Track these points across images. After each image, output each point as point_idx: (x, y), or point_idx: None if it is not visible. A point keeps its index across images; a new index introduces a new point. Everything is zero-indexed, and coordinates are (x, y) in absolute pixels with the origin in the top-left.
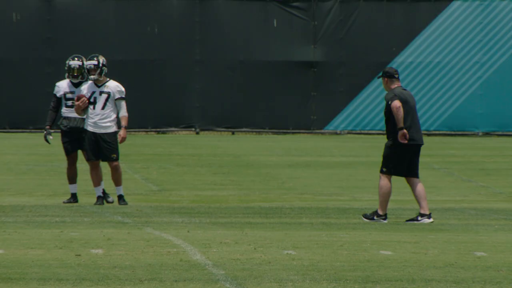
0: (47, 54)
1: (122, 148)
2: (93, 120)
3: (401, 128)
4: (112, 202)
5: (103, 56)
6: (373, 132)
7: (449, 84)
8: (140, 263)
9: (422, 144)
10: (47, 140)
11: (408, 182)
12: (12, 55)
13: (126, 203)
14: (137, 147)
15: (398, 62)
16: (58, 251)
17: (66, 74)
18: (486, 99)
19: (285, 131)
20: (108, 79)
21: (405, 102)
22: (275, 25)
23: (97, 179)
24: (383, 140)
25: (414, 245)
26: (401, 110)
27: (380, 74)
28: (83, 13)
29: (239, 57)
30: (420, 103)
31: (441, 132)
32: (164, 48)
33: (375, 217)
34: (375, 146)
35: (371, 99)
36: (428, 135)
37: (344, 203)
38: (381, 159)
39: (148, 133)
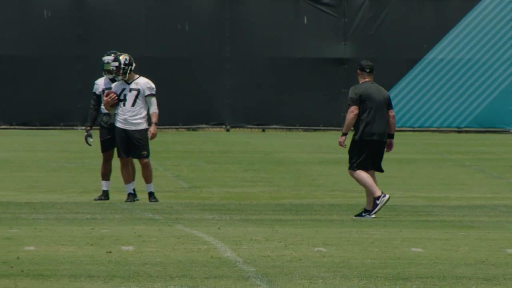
0: (78, 51)
1: (152, 145)
2: (123, 117)
3: (343, 134)
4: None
5: (131, 53)
6: (404, 129)
7: (480, 81)
8: (171, 260)
9: (383, 141)
10: (87, 142)
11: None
12: (43, 53)
13: (156, 200)
14: (167, 144)
15: (429, 59)
16: (89, 248)
17: (103, 71)
18: None
19: (315, 128)
20: (137, 75)
21: (368, 98)
22: (305, 22)
23: (128, 176)
24: (412, 137)
25: (444, 242)
26: (353, 116)
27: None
28: (114, 10)
29: (269, 54)
30: (450, 100)
31: (472, 129)
32: (195, 45)
33: (377, 201)
34: (405, 143)
35: (401, 96)
36: (459, 132)
37: None
38: (411, 156)
39: (179, 130)
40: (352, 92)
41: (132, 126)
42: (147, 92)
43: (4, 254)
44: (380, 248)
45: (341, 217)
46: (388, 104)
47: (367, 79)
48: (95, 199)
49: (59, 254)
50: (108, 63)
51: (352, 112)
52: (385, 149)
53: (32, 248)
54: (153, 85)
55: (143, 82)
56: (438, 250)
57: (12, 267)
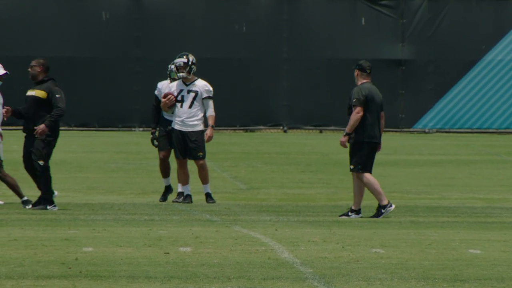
0: (135, 53)
1: (210, 146)
2: (180, 119)
3: (347, 134)
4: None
5: (192, 55)
6: (462, 130)
7: None
8: (228, 261)
9: (379, 143)
10: (153, 144)
11: (356, 175)
12: (101, 54)
13: (214, 201)
14: (225, 145)
15: (487, 60)
16: (147, 249)
17: (168, 78)
18: None
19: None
20: (196, 78)
21: (371, 100)
22: (363, 23)
23: (184, 177)
24: (472, 139)
25: (503, 244)
26: (358, 117)
27: (355, 66)
28: (171, 11)
29: (327, 55)
30: (509, 102)
31: None
32: (252, 46)
33: (382, 211)
34: (464, 145)
35: (460, 97)
36: None
37: (433, 201)
38: (470, 157)
39: (236, 131)
40: (358, 93)
41: (189, 128)
42: (205, 95)
43: (63, 255)
44: (438, 249)
45: (398, 218)
46: (381, 106)
47: (367, 80)
48: (173, 201)
49: (117, 255)
50: (175, 72)
51: (358, 113)
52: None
53: (90, 249)
54: (211, 88)
55: (201, 85)
56: (497, 251)
57: (70, 268)
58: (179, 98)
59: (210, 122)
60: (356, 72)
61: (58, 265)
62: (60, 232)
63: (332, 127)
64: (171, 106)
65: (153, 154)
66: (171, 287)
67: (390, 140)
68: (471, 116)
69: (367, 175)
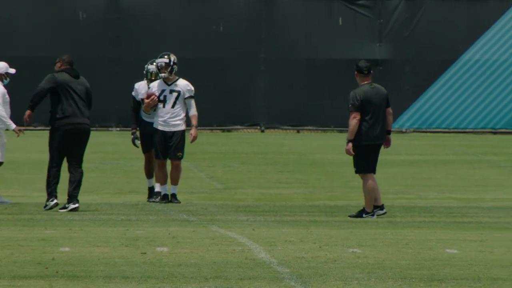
0: (113, 53)
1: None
2: (163, 119)
3: (349, 141)
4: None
5: (173, 54)
6: (439, 130)
7: None
8: (205, 261)
9: (382, 143)
10: (135, 144)
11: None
12: (78, 54)
13: (179, 202)
14: (202, 145)
15: (464, 60)
16: (124, 249)
17: (145, 78)
18: None
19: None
20: (178, 77)
21: (368, 103)
22: (340, 23)
23: (163, 178)
24: (448, 139)
25: (479, 244)
26: (356, 122)
27: (354, 67)
28: (149, 11)
29: (304, 55)
30: (486, 101)
31: (507, 130)
32: (230, 46)
33: (363, 215)
34: (441, 145)
35: (437, 97)
36: (494, 133)
37: (410, 201)
38: (446, 157)
39: (213, 131)
40: (353, 98)
41: (172, 128)
42: (187, 94)
43: (39, 255)
44: (414, 249)
45: (375, 218)
46: (387, 103)
47: (365, 81)
48: (149, 200)
49: (93, 255)
50: (154, 72)
51: (355, 118)
52: (383, 146)
53: (67, 249)
54: (192, 88)
55: (183, 84)
56: (473, 251)
57: (47, 268)
58: (161, 98)
59: (194, 122)
60: (356, 74)
61: (34, 265)
62: (36, 232)
63: (310, 127)
64: (154, 107)
65: (130, 154)
66: (148, 287)
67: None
68: (448, 116)
69: (370, 178)
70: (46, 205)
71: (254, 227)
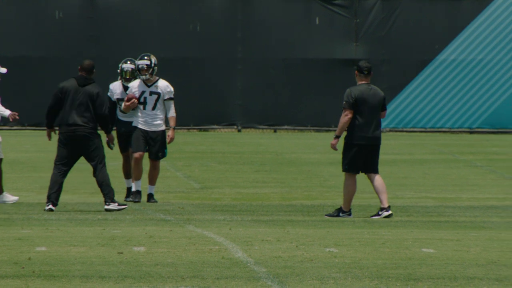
0: (90, 52)
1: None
2: (143, 119)
3: (336, 137)
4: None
5: (154, 55)
6: (416, 130)
7: (491, 81)
8: (182, 260)
9: (376, 144)
10: (109, 147)
11: (368, 177)
12: (55, 54)
13: (156, 201)
14: (179, 145)
15: (440, 60)
16: (101, 248)
17: (119, 77)
18: None
19: (327, 128)
20: (158, 78)
21: (362, 103)
22: (317, 22)
23: (139, 173)
24: (425, 138)
25: (456, 243)
26: (347, 120)
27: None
28: (126, 11)
29: (281, 55)
30: (462, 101)
31: (483, 129)
32: (206, 46)
33: (340, 214)
34: (417, 144)
35: (413, 97)
36: (471, 132)
37: None
38: (423, 156)
39: (190, 130)
40: (348, 96)
41: (153, 127)
42: (167, 96)
43: (16, 255)
44: (391, 248)
45: (352, 218)
46: (383, 106)
47: (364, 81)
48: (126, 200)
49: (70, 255)
50: (129, 71)
51: (347, 115)
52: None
53: (43, 248)
54: (172, 89)
55: (163, 86)
56: (450, 250)
57: (23, 267)
58: (141, 100)
59: (172, 123)
60: (356, 73)
61: (11, 264)
62: (13, 232)
63: (286, 127)
64: (133, 108)
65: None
66: (125, 287)
67: (343, 140)
68: (425, 116)
69: (351, 179)
70: None
71: (231, 227)
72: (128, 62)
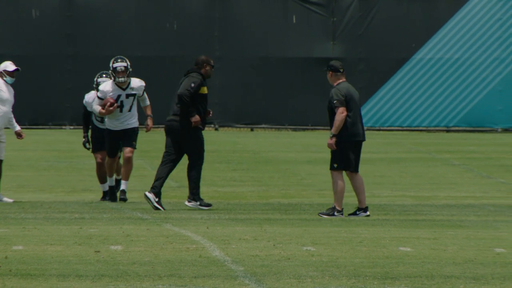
0: (67, 51)
1: (141, 144)
2: (118, 122)
3: (334, 136)
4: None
5: (120, 53)
6: (392, 128)
7: (468, 80)
8: (159, 259)
9: (364, 140)
10: (85, 147)
11: (348, 175)
12: (32, 52)
13: (126, 199)
14: (156, 143)
15: (417, 58)
16: (77, 247)
17: (95, 90)
18: (506, 96)
19: (304, 127)
20: (129, 78)
21: (350, 99)
22: (294, 21)
23: (111, 171)
24: (402, 137)
25: (433, 242)
26: (343, 117)
27: (327, 67)
28: (103, 9)
29: (259, 53)
30: (439, 99)
31: (460, 128)
32: (184, 44)
33: (335, 213)
34: (394, 143)
35: (390, 95)
36: (447, 131)
37: None
38: (400, 155)
39: None
40: (337, 94)
41: (128, 126)
42: (141, 93)
43: None
44: (368, 247)
45: (329, 216)
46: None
47: (342, 79)
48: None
49: (47, 254)
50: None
51: (342, 113)
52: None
53: (20, 247)
54: (144, 83)
55: (137, 85)
56: (427, 249)
57: (0, 266)
58: (117, 103)
59: (148, 111)
60: (330, 73)
61: None
62: None
63: (264, 125)
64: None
65: (84, 153)
66: (102, 286)
67: (320, 138)
68: (402, 114)
69: (340, 178)
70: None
71: (208, 225)
72: (104, 75)
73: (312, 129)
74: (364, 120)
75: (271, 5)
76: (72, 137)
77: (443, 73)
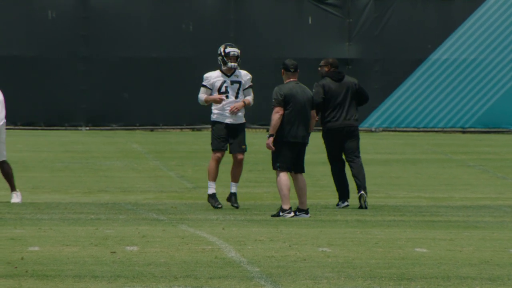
0: (82, 52)
1: (156, 145)
2: (227, 111)
3: (271, 136)
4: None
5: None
6: (408, 129)
7: (484, 81)
8: (175, 260)
9: (304, 143)
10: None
11: (292, 176)
12: (47, 53)
13: (238, 205)
14: (172, 144)
15: (433, 59)
16: (93, 248)
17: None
18: None
19: (319, 128)
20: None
21: (291, 100)
22: (310, 22)
23: (216, 173)
24: (418, 138)
25: (449, 243)
26: (278, 117)
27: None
28: (118, 10)
29: (274, 54)
30: (455, 100)
31: (476, 129)
32: (199, 45)
33: (280, 213)
34: (410, 144)
35: (406, 96)
36: (463, 132)
37: (379, 200)
38: (416, 156)
39: (183, 130)
40: (276, 93)
41: (239, 120)
42: (248, 84)
43: (9, 255)
44: (384, 248)
45: (345, 217)
46: (312, 104)
47: (291, 79)
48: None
49: (63, 255)
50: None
51: (278, 112)
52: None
53: (36, 248)
54: (251, 76)
55: (243, 74)
56: (443, 250)
57: (16, 267)
58: (222, 89)
59: (246, 102)
60: (282, 71)
61: (4, 264)
62: (5, 231)
63: None
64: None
65: (99, 153)
66: (118, 286)
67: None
68: (417, 115)
69: (282, 174)
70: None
71: (224, 226)
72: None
73: (320, 130)
74: (379, 121)
75: (286, 6)
76: (87, 138)
77: (459, 74)
